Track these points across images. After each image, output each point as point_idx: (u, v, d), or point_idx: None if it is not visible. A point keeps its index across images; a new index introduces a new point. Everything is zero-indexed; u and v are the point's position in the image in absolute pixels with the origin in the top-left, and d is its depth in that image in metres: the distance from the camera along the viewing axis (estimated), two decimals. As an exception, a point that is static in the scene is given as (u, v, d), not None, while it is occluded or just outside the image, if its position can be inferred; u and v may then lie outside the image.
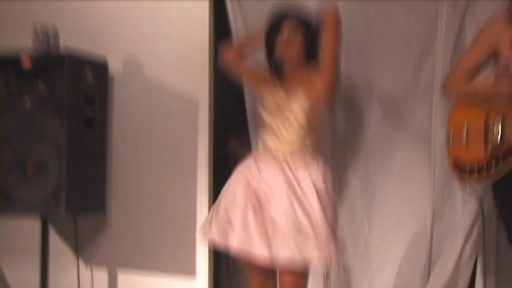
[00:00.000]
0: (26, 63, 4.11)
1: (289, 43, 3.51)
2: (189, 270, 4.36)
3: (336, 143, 4.18)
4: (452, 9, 3.98)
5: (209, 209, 4.21)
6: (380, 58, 4.12)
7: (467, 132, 3.39)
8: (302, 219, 3.34)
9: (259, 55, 3.66)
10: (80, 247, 4.51)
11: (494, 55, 3.40)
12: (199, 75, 4.36)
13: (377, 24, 4.13)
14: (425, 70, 4.07)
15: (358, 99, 4.14)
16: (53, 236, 4.45)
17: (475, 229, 3.93)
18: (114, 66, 4.49)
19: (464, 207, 3.99)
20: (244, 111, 4.24)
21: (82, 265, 4.53)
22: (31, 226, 4.39)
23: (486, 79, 3.44)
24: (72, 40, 4.29)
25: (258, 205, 3.41)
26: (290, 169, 3.44)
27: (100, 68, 4.40)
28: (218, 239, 3.42)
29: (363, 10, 4.11)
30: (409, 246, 4.09)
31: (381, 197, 4.14)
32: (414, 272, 4.08)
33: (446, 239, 4.05)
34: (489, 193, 3.55)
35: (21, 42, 4.33)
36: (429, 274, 4.07)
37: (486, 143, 3.31)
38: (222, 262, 4.68)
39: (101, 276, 4.53)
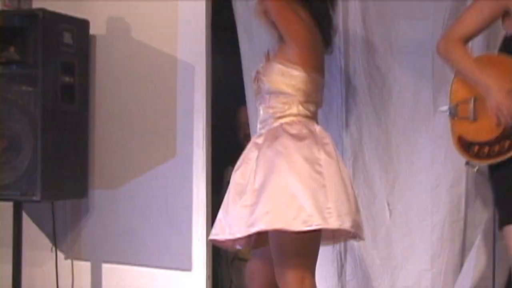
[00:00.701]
0: None
1: None
2: (184, 263, 4.19)
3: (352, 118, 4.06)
4: None
5: (207, 193, 4.14)
6: (403, 31, 3.95)
7: (474, 107, 3.25)
8: None
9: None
10: (58, 237, 4.36)
11: (503, 14, 3.26)
12: (194, 38, 4.17)
13: None
14: None
15: (380, 75, 3.97)
16: (28, 224, 4.31)
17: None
18: (97, 27, 4.33)
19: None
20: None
21: (61, 257, 4.39)
22: (2, 213, 4.25)
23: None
24: (48, 3, 4.09)
25: None
26: None
27: (80, 28, 4.22)
28: None
29: None
30: (439, 236, 3.90)
31: (404, 181, 3.96)
32: (447, 264, 3.89)
33: (479, 227, 3.86)
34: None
35: None
36: (461, 265, 3.89)
37: (498, 120, 3.19)
38: (220, 252, 4.55)
39: (83, 270, 4.39)
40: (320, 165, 3.11)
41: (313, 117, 3.31)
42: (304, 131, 3.16)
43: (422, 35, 3.88)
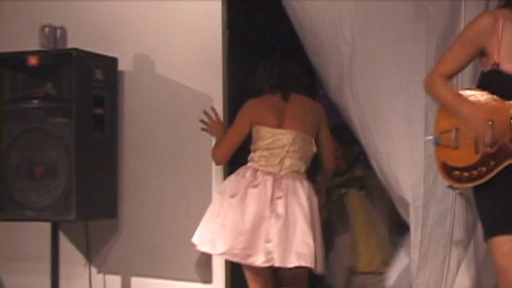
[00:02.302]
0: (33, 61, 4.10)
1: None
2: (205, 276, 4.34)
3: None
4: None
5: None
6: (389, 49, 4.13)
7: (456, 136, 3.44)
8: None
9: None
10: (91, 253, 4.51)
11: (480, 54, 3.45)
12: (212, 73, 4.36)
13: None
14: None
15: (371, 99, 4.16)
16: (64, 242, 4.44)
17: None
18: (125, 64, 4.47)
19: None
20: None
21: (94, 272, 4.53)
22: (41, 232, 4.36)
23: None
24: (81, 42, 4.28)
25: None
26: None
27: (109, 65, 4.37)
28: None
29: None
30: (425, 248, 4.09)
31: None
32: (429, 275, 4.09)
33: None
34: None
35: (30, 44, 4.29)
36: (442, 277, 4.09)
37: (476, 148, 3.40)
38: (238, 267, 4.53)
39: (114, 284, 4.52)
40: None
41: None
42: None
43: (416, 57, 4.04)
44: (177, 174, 4.40)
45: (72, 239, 4.54)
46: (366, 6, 4.15)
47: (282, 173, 3.91)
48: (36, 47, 4.23)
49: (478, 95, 3.45)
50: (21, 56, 4.16)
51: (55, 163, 4.08)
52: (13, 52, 4.21)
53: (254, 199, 3.82)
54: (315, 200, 3.98)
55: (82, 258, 4.53)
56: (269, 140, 3.93)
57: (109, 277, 4.52)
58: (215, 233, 3.84)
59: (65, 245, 4.44)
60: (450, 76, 3.52)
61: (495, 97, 3.37)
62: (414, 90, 3.98)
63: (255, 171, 3.91)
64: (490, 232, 3.43)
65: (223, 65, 4.34)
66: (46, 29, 4.22)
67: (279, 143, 3.92)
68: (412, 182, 4.08)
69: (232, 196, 3.84)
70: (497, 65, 3.36)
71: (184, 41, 4.41)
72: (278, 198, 3.84)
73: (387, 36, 4.13)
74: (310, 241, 3.81)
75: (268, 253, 3.78)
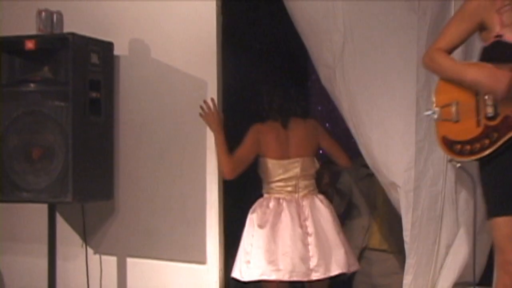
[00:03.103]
0: (30, 45, 4.13)
1: None
2: (199, 257, 4.39)
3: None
4: None
5: (219, 194, 4.37)
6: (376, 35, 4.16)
7: (456, 110, 3.46)
8: None
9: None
10: (88, 234, 4.56)
11: (480, 28, 3.46)
12: (207, 58, 4.39)
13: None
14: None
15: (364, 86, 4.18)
16: (61, 223, 4.49)
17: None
18: (120, 48, 4.51)
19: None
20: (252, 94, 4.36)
21: (90, 253, 4.58)
22: (38, 213, 4.42)
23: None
24: (77, 26, 4.30)
25: None
26: None
27: (105, 49, 4.40)
28: None
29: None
30: (417, 231, 4.14)
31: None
32: (421, 256, 4.14)
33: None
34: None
35: (27, 28, 4.32)
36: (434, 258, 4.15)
37: (478, 121, 3.41)
38: (232, 248, 4.68)
39: (110, 264, 4.57)
40: None
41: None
42: None
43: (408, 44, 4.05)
44: (171, 156, 4.45)
45: (69, 220, 4.59)
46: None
47: (301, 195, 4.32)
48: (33, 32, 4.25)
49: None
50: (18, 40, 4.18)
51: (52, 145, 4.12)
52: (11, 36, 4.23)
53: (285, 225, 4.21)
54: (331, 207, 4.40)
55: (78, 239, 4.59)
56: (280, 171, 4.32)
57: (105, 258, 4.55)
58: (255, 260, 4.17)
59: (62, 226, 4.49)
60: (449, 51, 3.51)
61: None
62: (405, 76, 4.01)
63: (277, 199, 4.30)
64: (493, 211, 3.44)
65: (217, 50, 4.37)
66: (43, 14, 4.24)
67: (290, 173, 4.32)
68: (403, 166, 4.09)
69: (262, 227, 4.20)
70: (501, 36, 3.36)
71: (179, 27, 4.44)
72: (305, 219, 4.25)
73: (379, 23, 4.14)
74: (341, 247, 4.26)
75: (312, 269, 4.18)
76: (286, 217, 4.25)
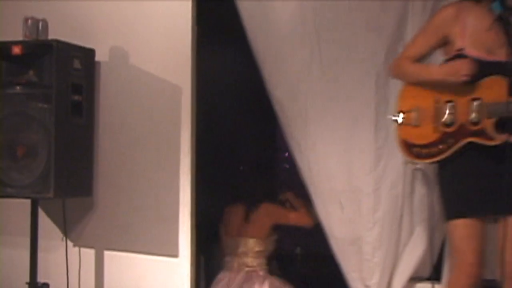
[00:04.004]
0: (16, 50, 4.21)
1: None
2: (172, 250, 4.48)
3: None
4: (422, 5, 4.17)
5: (191, 193, 4.47)
6: (350, 47, 4.30)
7: (417, 116, 3.63)
8: None
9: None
10: (68, 228, 4.62)
11: (443, 42, 3.63)
12: (182, 64, 4.49)
13: (348, 18, 4.32)
14: None
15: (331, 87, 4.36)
16: (43, 217, 4.56)
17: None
18: (101, 55, 4.59)
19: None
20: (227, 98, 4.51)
21: (70, 246, 4.65)
22: (22, 208, 4.45)
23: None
24: (61, 33, 4.37)
25: None
26: None
27: (87, 55, 4.49)
28: None
29: (334, 7, 4.34)
30: (380, 230, 4.34)
31: (354, 184, 4.37)
32: (386, 253, 4.32)
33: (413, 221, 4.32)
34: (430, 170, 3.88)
35: (14, 34, 4.39)
36: (398, 254, 4.35)
37: (435, 127, 3.58)
38: (203, 243, 4.83)
39: (88, 256, 4.65)
40: None
41: None
42: None
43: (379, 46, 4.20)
44: (147, 157, 4.54)
45: (50, 215, 4.66)
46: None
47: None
48: (19, 38, 4.33)
49: None
50: (5, 46, 4.25)
51: (36, 144, 4.18)
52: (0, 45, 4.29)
53: None
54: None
55: (59, 232, 4.65)
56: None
57: (84, 250, 4.63)
58: None
59: (44, 220, 4.57)
60: (415, 61, 3.66)
61: None
62: (369, 82, 4.22)
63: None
64: (451, 214, 3.60)
65: (192, 57, 4.48)
66: (29, 21, 4.33)
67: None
68: (364, 171, 4.29)
69: None
70: (463, 50, 3.50)
71: (156, 35, 4.54)
72: None
73: (343, 41, 4.32)
74: None
75: None
76: None
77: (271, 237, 4.87)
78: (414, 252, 4.31)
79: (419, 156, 3.68)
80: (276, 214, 4.85)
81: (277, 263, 4.98)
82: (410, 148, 3.68)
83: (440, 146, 3.59)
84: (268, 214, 4.82)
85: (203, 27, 4.60)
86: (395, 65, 3.78)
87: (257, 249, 4.78)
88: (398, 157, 4.16)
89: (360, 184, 4.33)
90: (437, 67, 3.61)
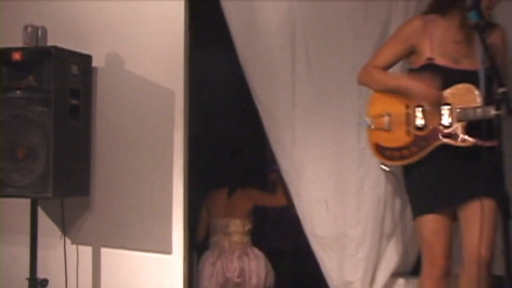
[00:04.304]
0: (17, 56, 4.28)
1: None
2: (166, 247, 4.57)
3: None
4: (404, 7, 4.28)
5: (184, 193, 4.55)
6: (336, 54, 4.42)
7: (388, 120, 3.78)
8: None
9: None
10: (66, 226, 4.70)
11: (410, 52, 3.77)
12: (175, 69, 4.58)
13: (332, 24, 4.43)
14: None
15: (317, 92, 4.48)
16: (42, 216, 4.62)
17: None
18: (98, 60, 4.67)
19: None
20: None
21: (68, 243, 4.72)
22: (22, 207, 4.50)
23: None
24: (59, 40, 4.45)
25: None
26: None
27: (84, 61, 4.57)
28: None
29: (319, 11, 4.44)
30: (363, 228, 4.43)
31: (339, 184, 4.47)
32: (369, 250, 4.41)
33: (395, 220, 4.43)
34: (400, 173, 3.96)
35: (14, 41, 4.46)
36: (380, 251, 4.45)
37: (407, 131, 3.72)
38: (195, 240, 5.08)
39: (86, 253, 4.72)
40: None
41: None
42: None
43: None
44: (142, 158, 4.63)
45: (49, 214, 4.72)
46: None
47: None
48: (20, 44, 4.40)
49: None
50: (6, 52, 4.33)
51: (35, 146, 4.24)
52: (1, 51, 4.36)
53: None
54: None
55: (58, 231, 4.71)
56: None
57: (81, 248, 4.69)
58: None
59: (43, 219, 4.62)
60: (383, 70, 3.79)
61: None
62: (353, 87, 4.25)
63: None
64: (418, 210, 3.73)
65: (184, 63, 4.56)
66: (29, 29, 4.41)
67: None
68: (349, 171, 4.41)
69: None
70: (432, 59, 3.63)
71: (150, 41, 4.62)
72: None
73: (330, 47, 4.42)
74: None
75: None
76: None
77: (252, 217, 5.30)
78: (396, 249, 4.41)
79: (392, 159, 3.81)
80: (255, 197, 5.28)
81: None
82: (383, 151, 3.82)
83: (413, 149, 3.71)
84: (247, 197, 5.25)
85: (196, 30, 4.68)
86: (363, 72, 3.88)
87: (242, 228, 5.25)
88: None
89: (345, 184, 4.43)
90: (406, 80, 3.73)
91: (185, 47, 4.61)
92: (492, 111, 3.18)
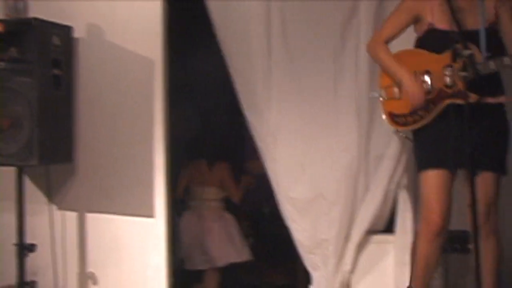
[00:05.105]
0: None
1: None
2: (148, 211, 4.70)
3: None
4: None
5: (164, 158, 4.68)
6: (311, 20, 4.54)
7: (398, 89, 3.92)
8: None
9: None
10: (51, 193, 4.81)
11: (415, 20, 3.91)
12: (153, 39, 4.67)
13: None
14: (349, 36, 4.51)
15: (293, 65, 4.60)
16: (28, 183, 4.71)
17: (399, 168, 4.53)
18: (79, 31, 4.74)
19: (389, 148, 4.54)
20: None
21: (54, 209, 4.82)
22: (8, 175, 4.57)
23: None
24: (40, 12, 4.50)
25: None
26: None
27: (65, 32, 4.62)
28: None
29: None
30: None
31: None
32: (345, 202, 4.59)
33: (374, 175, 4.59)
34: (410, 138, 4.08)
35: None
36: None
37: (412, 107, 3.86)
38: (178, 205, 5.30)
39: (71, 218, 4.82)
40: None
41: None
42: None
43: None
44: (123, 125, 4.73)
45: (35, 181, 4.79)
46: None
47: None
48: (1, 16, 4.47)
49: (417, 52, 3.89)
50: None
51: (20, 116, 4.31)
52: None
53: None
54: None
55: (43, 197, 4.81)
56: None
57: (67, 213, 4.79)
58: None
59: (29, 186, 4.69)
60: (390, 40, 3.92)
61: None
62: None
63: None
64: (422, 165, 3.87)
65: (162, 33, 4.65)
66: (10, 1, 4.50)
67: None
68: (324, 134, 4.56)
69: None
70: (432, 25, 3.76)
71: (129, 12, 4.69)
72: None
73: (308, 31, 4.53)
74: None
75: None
76: None
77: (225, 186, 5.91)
78: (369, 207, 4.57)
79: (406, 124, 3.93)
80: (224, 175, 5.78)
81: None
82: (396, 118, 3.94)
83: (423, 112, 3.84)
84: (223, 171, 5.73)
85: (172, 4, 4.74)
86: (371, 46, 4.01)
87: (217, 196, 5.86)
88: (353, 119, 4.49)
89: (321, 147, 4.58)
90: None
91: (163, 17, 4.68)
92: (492, 66, 3.46)
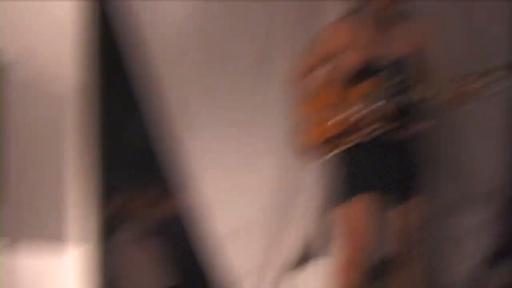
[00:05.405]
0: None
1: None
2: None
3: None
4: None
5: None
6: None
7: (313, 118, 3.98)
8: None
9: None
10: None
11: (331, 57, 3.98)
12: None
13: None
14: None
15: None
16: None
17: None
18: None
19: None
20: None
21: None
22: None
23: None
24: None
25: None
26: None
27: None
28: None
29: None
30: None
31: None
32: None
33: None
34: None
35: None
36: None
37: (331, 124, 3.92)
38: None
39: None
40: None
41: None
42: None
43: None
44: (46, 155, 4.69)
45: None
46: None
47: None
48: None
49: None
50: None
51: None
52: None
53: None
54: None
55: None
56: None
57: None
58: None
59: None
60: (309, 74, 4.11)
61: None
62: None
63: None
64: (356, 190, 3.90)
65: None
66: None
67: None
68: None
69: None
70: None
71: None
72: None
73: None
74: None
75: None
76: None
77: None
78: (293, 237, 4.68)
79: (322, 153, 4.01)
80: None
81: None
82: (310, 149, 4.03)
83: (347, 137, 3.90)
84: None
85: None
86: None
87: None
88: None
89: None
90: None
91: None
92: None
